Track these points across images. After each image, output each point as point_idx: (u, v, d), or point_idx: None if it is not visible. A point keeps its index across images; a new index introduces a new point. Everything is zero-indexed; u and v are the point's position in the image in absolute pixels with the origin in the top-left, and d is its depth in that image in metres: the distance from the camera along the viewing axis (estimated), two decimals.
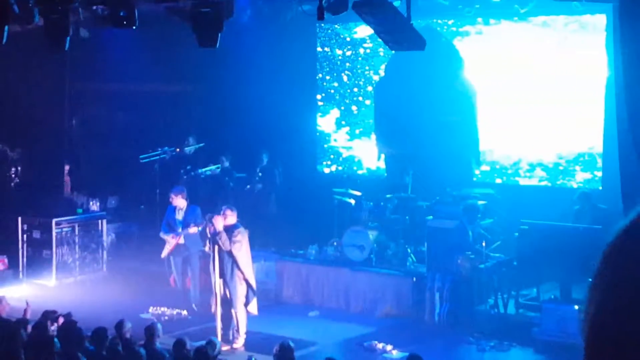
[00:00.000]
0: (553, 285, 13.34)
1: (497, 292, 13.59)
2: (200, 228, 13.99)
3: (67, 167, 18.49)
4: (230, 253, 12.34)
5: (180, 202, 14.56)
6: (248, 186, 17.44)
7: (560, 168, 15.82)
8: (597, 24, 15.25)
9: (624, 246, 1.62)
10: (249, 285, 12.55)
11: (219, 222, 12.34)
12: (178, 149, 17.82)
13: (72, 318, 10.63)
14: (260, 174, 17.54)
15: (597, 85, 15.09)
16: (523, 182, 16.20)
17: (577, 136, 15.58)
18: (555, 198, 14.94)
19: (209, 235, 12.65)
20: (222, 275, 12.46)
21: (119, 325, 10.25)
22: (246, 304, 12.56)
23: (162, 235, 14.69)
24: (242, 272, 12.43)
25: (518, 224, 13.69)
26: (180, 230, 14.46)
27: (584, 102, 15.39)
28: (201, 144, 18.27)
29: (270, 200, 17.54)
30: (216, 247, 12.40)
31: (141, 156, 17.36)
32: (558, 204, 14.36)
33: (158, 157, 17.39)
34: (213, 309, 12.67)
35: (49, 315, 10.83)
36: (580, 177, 15.63)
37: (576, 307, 12.22)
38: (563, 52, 15.55)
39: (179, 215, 14.57)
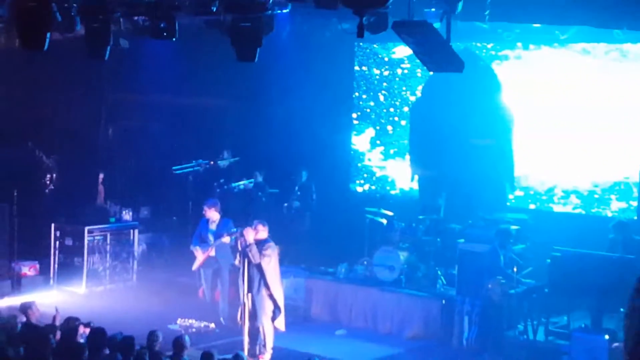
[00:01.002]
0: (584, 313, 13.19)
1: (527, 318, 13.46)
2: (232, 237, 14.00)
3: (101, 176, 18.59)
4: (259, 267, 12.32)
5: (213, 214, 14.59)
6: (286, 204, 17.47)
7: (596, 196, 15.70)
8: (638, 52, 15.15)
9: None
10: (275, 300, 12.51)
11: (250, 234, 12.33)
12: (212, 162, 17.85)
13: (96, 326, 10.62)
14: (298, 192, 17.57)
15: (636, 114, 14.97)
16: (557, 208, 16.09)
17: (613, 165, 15.46)
18: (589, 226, 14.82)
19: (239, 249, 12.65)
20: (250, 289, 12.44)
21: (152, 337, 10.24)
22: (273, 319, 12.53)
23: (192, 248, 14.71)
24: (269, 287, 12.40)
25: (550, 250, 13.56)
26: (212, 242, 14.49)
27: (621, 130, 15.28)
28: (236, 158, 18.29)
29: (306, 217, 17.55)
30: (246, 261, 12.39)
31: (174, 167, 17.42)
32: (592, 232, 14.23)
33: (192, 169, 17.43)
34: (240, 323, 12.65)
35: (72, 323, 10.83)
36: (615, 206, 15.50)
37: (607, 336, 12.06)
38: (602, 79, 15.45)
39: (212, 227, 14.60)
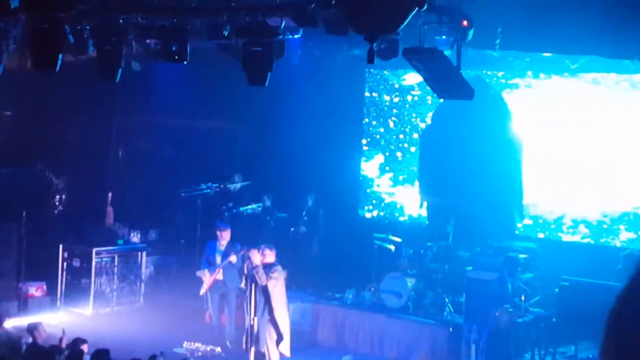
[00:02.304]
0: (591, 344, 13.12)
1: (534, 347, 13.40)
2: (239, 256, 14.02)
3: (109, 195, 18.57)
4: (265, 290, 12.30)
5: (227, 236, 14.65)
6: (292, 229, 17.46)
7: (604, 226, 15.65)
8: None
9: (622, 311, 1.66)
10: (280, 325, 12.47)
11: (256, 256, 12.32)
12: (223, 185, 17.87)
13: (100, 348, 10.60)
14: (305, 217, 17.57)
15: None
16: (566, 238, 16.05)
17: (623, 195, 15.42)
18: (598, 256, 14.76)
19: (245, 272, 12.64)
20: (255, 312, 12.42)
21: None
22: (278, 344, 12.50)
23: (198, 273, 14.71)
24: (273, 311, 12.37)
25: (559, 279, 13.53)
26: (219, 263, 14.50)
27: (631, 161, 15.25)
28: (247, 182, 18.29)
29: (313, 242, 17.54)
30: (253, 285, 12.37)
31: (181, 190, 17.43)
32: (600, 262, 14.17)
33: (201, 192, 17.44)
34: (244, 347, 12.62)
35: (79, 344, 10.82)
36: (624, 236, 15.45)
37: None
38: (612, 109, 15.45)
39: (221, 248, 14.62)
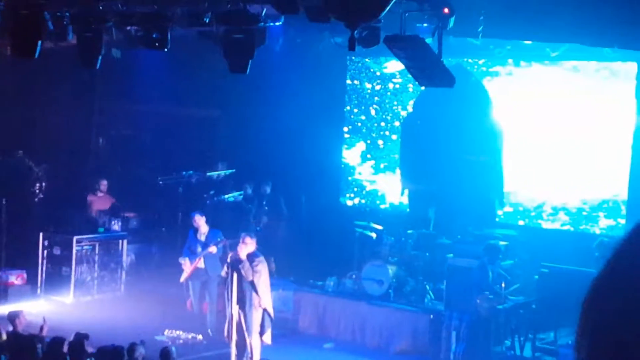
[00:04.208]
0: (571, 330, 13.20)
1: (514, 334, 13.48)
2: (219, 247, 14.01)
3: (105, 184, 18.25)
4: (251, 282, 12.30)
5: (202, 223, 14.60)
6: (253, 221, 17.32)
7: (584, 213, 15.73)
8: (629, 71, 15.23)
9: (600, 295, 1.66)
10: (266, 314, 12.49)
11: (243, 251, 12.29)
12: (205, 173, 17.81)
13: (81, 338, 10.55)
14: (266, 207, 17.51)
15: (625, 132, 15.03)
16: (546, 225, 16.12)
17: (602, 182, 15.50)
18: (577, 243, 14.83)
19: (228, 261, 12.62)
20: (239, 302, 12.41)
21: (131, 350, 10.21)
22: (261, 333, 12.51)
23: (181, 260, 14.69)
24: (260, 301, 12.38)
25: (539, 266, 13.60)
26: (199, 251, 14.49)
27: (611, 148, 15.33)
28: (231, 170, 18.22)
29: (280, 229, 17.47)
30: (235, 275, 12.36)
31: (159, 178, 17.33)
32: (580, 249, 14.24)
33: (180, 180, 17.38)
34: (226, 335, 12.63)
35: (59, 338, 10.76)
36: (604, 223, 15.54)
37: None
38: (592, 97, 15.51)
39: (201, 238, 14.60)
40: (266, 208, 17.54)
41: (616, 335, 1.59)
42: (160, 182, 17.30)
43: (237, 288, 12.37)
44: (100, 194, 18.11)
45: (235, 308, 12.41)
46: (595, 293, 1.66)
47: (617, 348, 1.58)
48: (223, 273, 12.89)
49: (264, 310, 12.45)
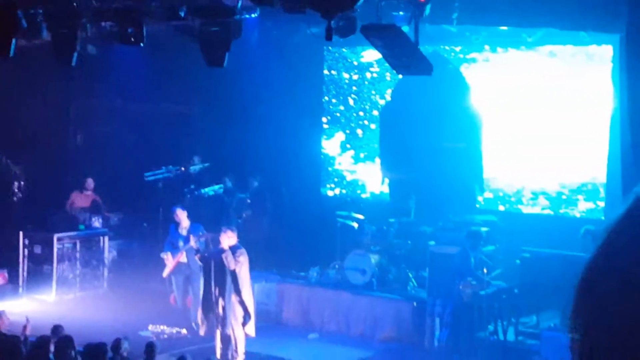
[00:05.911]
0: (553, 313, 13.28)
1: (497, 319, 13.52)
2: (200, 241, 14.01)
3: (91, 182, 18.09)
4: (232, 273, 12.32)
5: (184, 217, 14.58)
6: (244, 214, 17.31)
7: (563, 197, 15.81)
8: (604, 54, 15.29)
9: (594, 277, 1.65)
10: (245, 306, 12.51)
11: (225, 241, 12.32)
12: (183, 168, 17.78)
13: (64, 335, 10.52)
14: (249, 201, 17.47)
15: (602, 115, 15.10)
16: (526, 210, 16.19)
17: (581, 166, 15.58)
18: (558, 227, 14.92)
19: (206, 254, 12.69)
20: (221, 294, 12.43)
21: (115, 346, 10.19)
22: (244, 325, 12.52)
23: (162, 254, 14.68)
24: (240, 293, 12.40)
25: (520, 251, 13.66)
26: (182, 247, 14.47)
27: (589, 132, 15.40)
28: (206, 164, 18.20)
29: (262, 224, 17.43)
30: (213, 266, 12.39)
31: (146, 174, 17.32)
32: (560, 232, 14.32)
33: (162, 175, 17.35)
34: (203, 330, 12.70)
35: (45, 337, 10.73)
36: (583, 206, 15.62)
37: None
38: (570, 81, 15.58)
39: (183, 233, 14.58)
40: (249, 201, 17.49)
41: (614, 313, 1.60)
42: (147, 178, 17.23)
43: (219, 281, 12.38)
44: (87, 193, 18.00)
45: (219, 301, 12.42)
46: (591, 272, 1.66)
47: (614, 327, 1.59)
48: (197, 257, 13.00)
49: (244, 302, 12.46)
